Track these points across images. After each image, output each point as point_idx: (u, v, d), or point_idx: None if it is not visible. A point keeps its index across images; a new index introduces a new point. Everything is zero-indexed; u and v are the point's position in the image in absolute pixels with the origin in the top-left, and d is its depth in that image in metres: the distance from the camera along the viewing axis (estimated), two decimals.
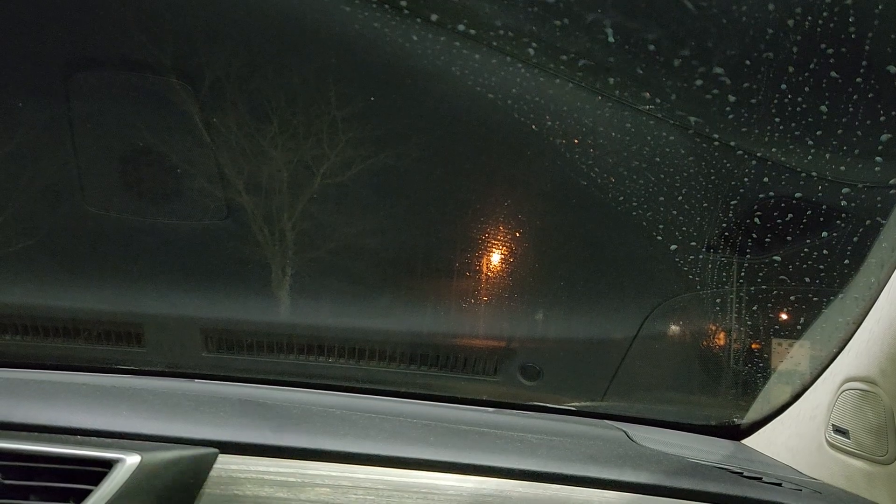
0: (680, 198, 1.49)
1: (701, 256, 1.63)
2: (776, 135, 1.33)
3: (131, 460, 1.21)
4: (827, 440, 1.50)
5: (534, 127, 1.39)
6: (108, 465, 1.21)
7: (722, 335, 1.97)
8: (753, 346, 1.89)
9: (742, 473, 1.45)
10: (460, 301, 2.44)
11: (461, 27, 1.68)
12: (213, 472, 1.27)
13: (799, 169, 1.38)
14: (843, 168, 1.37)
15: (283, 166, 3.12)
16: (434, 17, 1.83)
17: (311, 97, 2.81)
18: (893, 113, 1.31)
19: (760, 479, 1.42)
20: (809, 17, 1.28)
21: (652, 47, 1.31)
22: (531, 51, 1.51)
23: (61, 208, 2.60)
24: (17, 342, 2.20)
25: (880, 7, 1.35)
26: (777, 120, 1.34)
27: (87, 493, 1.18)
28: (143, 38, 2.34)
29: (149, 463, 1.22)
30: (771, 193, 1.39)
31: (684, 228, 1.55)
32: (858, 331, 1.46)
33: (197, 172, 2.57)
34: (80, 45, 2.34)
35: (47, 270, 2.50)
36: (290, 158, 3.08)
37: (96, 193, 2.40)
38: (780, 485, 1.40)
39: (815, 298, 1.49)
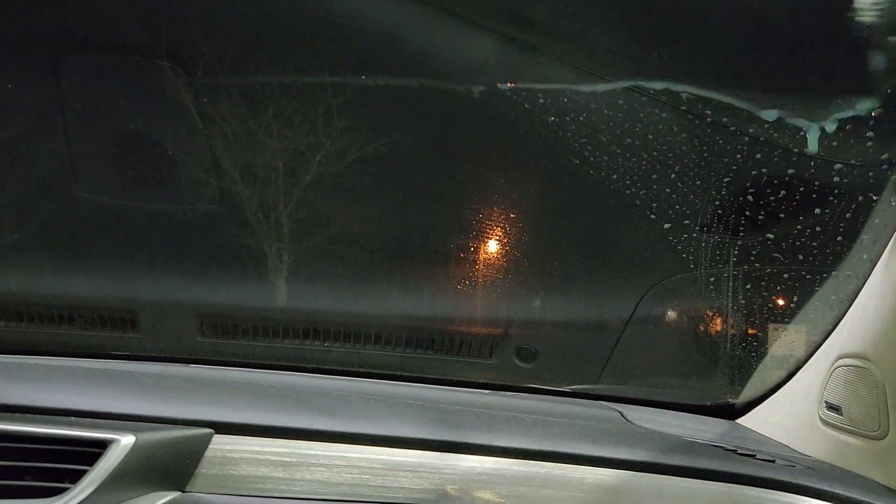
0: (673, 176, 1.49)
1: (694, 235, 1.63)
2: (768, 112, 1.33)
3: (126, 441, 1.21)
4: (820, 417, 1.51)
5: (526, 106, 1.39)
6: (103, 445, 1.21)
7: (716, 315, 1.97)
8: (747, 325, 1.89)
9: (736, 451, 1.46)
10: (455, 284, 2.44)
11: (455, 8, 1.67)
12: (208, 452, 1.27)
13: (791, 146, 1.37)
14: (835, 145, 1.37)
15: (278, 153, 3.11)
16: None
17: (306, 84, 2.80)
18: (884, 88, 1.31)
19: (754, 456, 1.43)
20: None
21: (644, 24, 1.30)
22: (524, 30, 1.51)
23: (54, 195, 2.59)
24: (12, 329, 2.20)
25: None
26: (769, 96, 1.33)
27: (82, 473, 1.18)
28: (136, 23, 2.33)
29: (143, 443, 1.22)
30: (763, 171, 1.39)
31: (678, 207, 1.55)
32: (851, 308, 1.46)
33: (191, 158, 2.56)
34: (73, 29, 2.32)
35: (41, 257, 2.50)
36: (285, 145, 3.08)
37: (90, 179, 2.39)
38: (773, 462, 1.41)
39: (808, 276, 1.49)
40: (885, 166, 1.34)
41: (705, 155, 1.39)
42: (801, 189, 1.38)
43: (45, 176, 2.61)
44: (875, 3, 1.34)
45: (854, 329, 1.44)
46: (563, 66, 1.47)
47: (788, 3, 1.30)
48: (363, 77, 2.49)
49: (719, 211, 1.55)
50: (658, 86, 1.31)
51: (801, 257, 1.47)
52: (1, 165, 2.63)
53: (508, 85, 1.71)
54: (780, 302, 1.78)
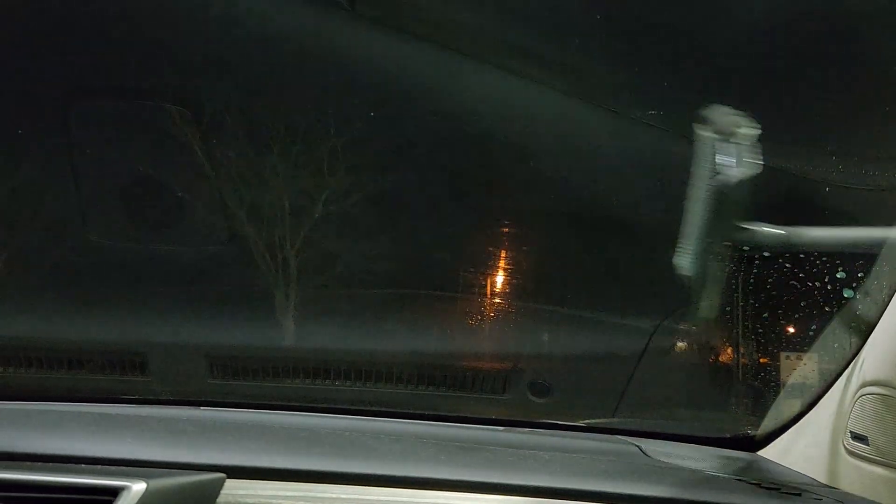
0: (685, 205, 1.47)
1: (708, 265, 1.61)
2: (781, 139, 1.32)
3: (137, 488, 1.19)
4: (845, 447, 1.48)
5: (534, 143, 1.39)
6: (114, 493, 1.18)
7: (733, 345, 1.94)
8: (765, 354, 1.86)
9: (760, 484, 1.42)
10: (466, 320, 2.43)
11: (455, 44, 1.68)
12: (220, 498, 1.25)
13: (804, 174, 1.37)
14: (849, 171, 1.36)
15: (284, 193, 3.13)
16: (429, 37, 1.83)
17: (311, 125, 2.83)
18: None
19: (779, 489, 1.39)
20: (814, 22, 1.27)
21: (647, 55, 1.30)
22: (529, 65, 1.51)
23: (64, 239, 2.60)
24: (22, 375, 2.19)
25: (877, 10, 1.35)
26: (781, 124, 1.33)
27: None
28: (144, 68, 2.36)
29: (155, 490, 1.20)
30: (778, 198, 1.38)
31: (689, 237, 1.54)
32: (873, 334, 1.44)
33: (199, 200, 2.57)
34: (81, 75, 2.35)
35: (51, 302, 2.50)
36: (291, 186, 3.10)
37: (99, 223, 2.40)
38: (799, 495, 1.37)
39: (825, 303, 1.47)
40: None
41: (717, 184, 1.38)
42: (816, 216, 1.37)
43: (55, 220, 2.62)
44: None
45: (877, 356, 1.41)
46: (570, 99, 1.47)
47: (794, 31, 1.30)
48: (367, 116, 2.51)
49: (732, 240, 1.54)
50: (666, 117, 1.31)
51: (817, 284, 1.45)
52: (12, 210, 2.65)
53: (514, 120, 1.72)
54: (798, 330, 1.75)
